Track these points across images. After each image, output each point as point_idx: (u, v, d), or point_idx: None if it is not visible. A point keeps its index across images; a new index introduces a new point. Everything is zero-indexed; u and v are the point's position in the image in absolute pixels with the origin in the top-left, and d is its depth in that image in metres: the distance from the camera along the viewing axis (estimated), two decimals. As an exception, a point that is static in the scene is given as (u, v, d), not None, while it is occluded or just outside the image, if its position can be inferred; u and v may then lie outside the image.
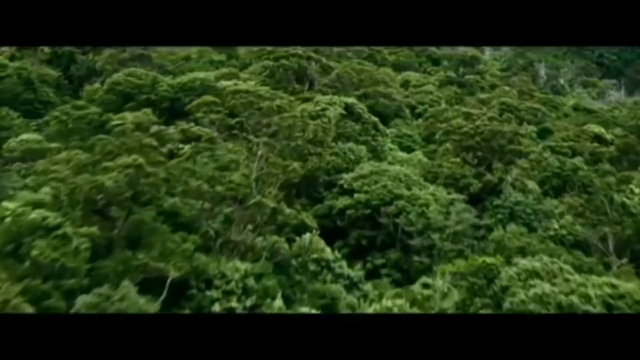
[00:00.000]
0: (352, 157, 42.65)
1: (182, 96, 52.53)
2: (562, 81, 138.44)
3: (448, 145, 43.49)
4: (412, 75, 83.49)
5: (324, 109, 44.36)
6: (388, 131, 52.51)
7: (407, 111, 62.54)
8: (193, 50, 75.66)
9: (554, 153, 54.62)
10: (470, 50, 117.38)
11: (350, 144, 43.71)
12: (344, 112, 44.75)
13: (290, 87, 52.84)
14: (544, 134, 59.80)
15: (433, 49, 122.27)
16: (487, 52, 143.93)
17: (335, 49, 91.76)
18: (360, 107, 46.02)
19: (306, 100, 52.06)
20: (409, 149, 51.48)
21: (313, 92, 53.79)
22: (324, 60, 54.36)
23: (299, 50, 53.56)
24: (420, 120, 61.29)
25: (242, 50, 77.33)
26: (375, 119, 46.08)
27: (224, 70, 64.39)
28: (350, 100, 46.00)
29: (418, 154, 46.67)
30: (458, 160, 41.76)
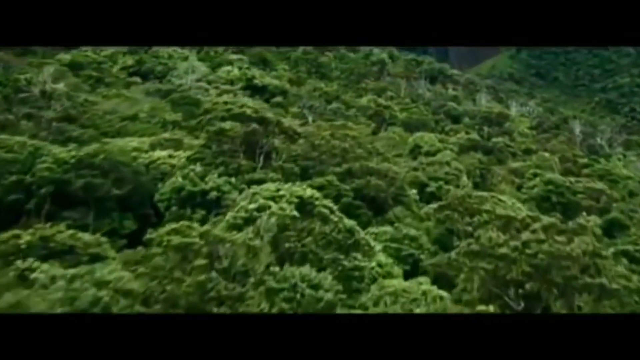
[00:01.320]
0: (303, 296, 23.45)
1: (73, 177, 34.13)
2: (599, 140, 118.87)
3: (473, 274, 23.87)
4: (426, 137, 64.23)
5: (261, 209, 25.37)
6: (380, 231, 33.36)
7: (413, 193, 43.14)
8: (145, 107, 58.04)
9: (633, 263, 34.80)
10: (496, 107, 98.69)
11: (304, 270, 24.51)
12: (295, 213, 25.60)
13: (234, 163, 34.03)
14: (612, 229, 39.89)
15: (453, 104, 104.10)
16: (514, 108, 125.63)
17: (331, 106, 74.11)
18: (326, 204, 26.73)
19: (253, 183, 33.32)
20: (410, 263, 32.02)
21: (269, 170, 34.94)
22: (285, 122, 35.36)
23: (247, 107, 34.82)
24: (432, 206, 41.88)
25: (207, 104, 59.28)
26: (350, 223, 26.62)
27: (166, 135, 46.27)
28: (309, 192, 26.82)
29: (423, 282, 26.86)
30: (491, 308, 22.13)
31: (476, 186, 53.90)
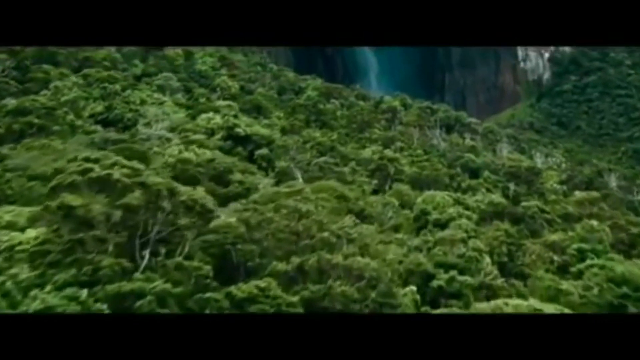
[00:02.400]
0: None
1: None
2: (637, 195, 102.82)
3: None
4: (437, 198, 48.90)
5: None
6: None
7: (412, 291, 27.79)
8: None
9: None
10: (522, 159, 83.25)
11: None
12: None
13: (93, 263, 19.22)
14: None
15: (471, 155, 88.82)
16: (538, 159, 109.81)
17: (318, 160, 59.64)
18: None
19: (123, 298, 18.50)
20: None
21: (157, 272, 19.99)
22: (185, 192, 20.31)
23: (120, 166, 20.09)
24: (439, 313, 26.50)
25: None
26: None
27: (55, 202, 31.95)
28: None
29: None
30: None
31: (502, 269, 38.44)
